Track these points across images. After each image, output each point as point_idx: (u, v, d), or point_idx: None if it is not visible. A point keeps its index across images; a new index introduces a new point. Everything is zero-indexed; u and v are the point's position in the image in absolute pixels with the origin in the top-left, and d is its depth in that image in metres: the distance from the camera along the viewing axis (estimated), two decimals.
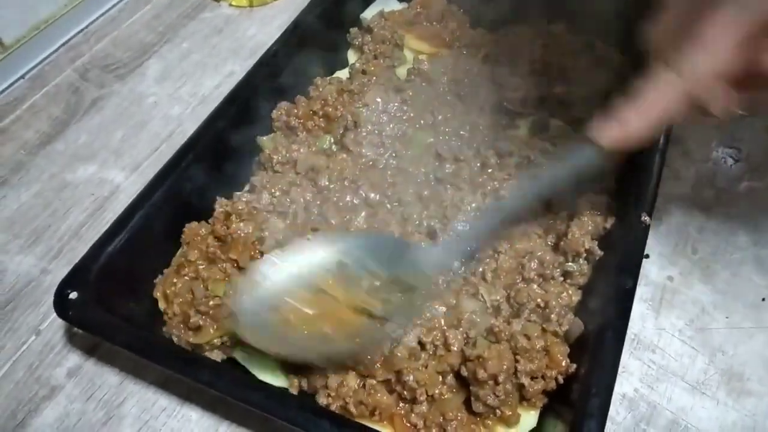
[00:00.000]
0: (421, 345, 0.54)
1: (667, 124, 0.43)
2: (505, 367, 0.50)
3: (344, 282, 0.53)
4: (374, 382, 0.52)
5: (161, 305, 0.58)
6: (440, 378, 0.53)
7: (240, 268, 0.59)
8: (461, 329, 0.55)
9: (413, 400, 0.52)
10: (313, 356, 0.52)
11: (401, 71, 0.77)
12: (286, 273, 0.53)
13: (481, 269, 0.59)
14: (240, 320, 0.51)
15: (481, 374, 0.50)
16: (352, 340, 0.52)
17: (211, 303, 0.56)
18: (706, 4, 0.39)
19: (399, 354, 0.53)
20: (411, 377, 0.52)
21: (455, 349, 0.54)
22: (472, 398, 0.51)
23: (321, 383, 0.53)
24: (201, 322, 0.56)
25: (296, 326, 0.51)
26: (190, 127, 0.72)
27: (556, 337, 0.54)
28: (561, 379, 0.51)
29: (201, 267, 0.59)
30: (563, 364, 0.51)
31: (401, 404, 0.53)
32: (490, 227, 0.56)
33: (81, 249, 0.63)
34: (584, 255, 0.57)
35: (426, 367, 0.53)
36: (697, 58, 0.39)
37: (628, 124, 0.42)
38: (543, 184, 0.53)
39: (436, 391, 0.52)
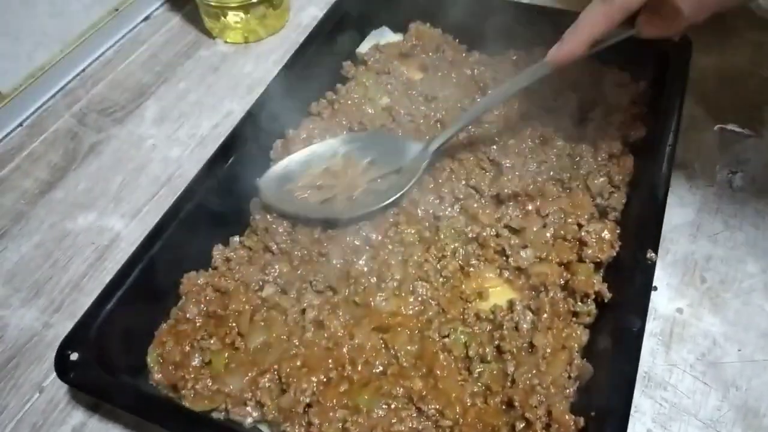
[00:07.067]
0: None
1: (594, 39, 0.53)
2: None
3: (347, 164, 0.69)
4: None
5: (154, 375, 0.57)
6: None
7: (240, 335, 0.58)
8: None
9: None
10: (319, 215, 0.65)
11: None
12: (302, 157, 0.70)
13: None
14: (264, 192, 0.67)
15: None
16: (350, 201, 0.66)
17: (209, 383, 0.55)
18: None
19: None
20: None
21: None
22: None
23: None
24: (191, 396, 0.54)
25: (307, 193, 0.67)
26: (189, 170, 0.72)
27: None
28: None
29: (198, 324, 0.58)
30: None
31: None
32: (467, 122, 0.67)
33: (82, 301, 0.63)
34: (593, 296, 0.56)
35: None
36: None
37: (567, 44, 0.54)
38: (506, 88, 0.63)
39: None
